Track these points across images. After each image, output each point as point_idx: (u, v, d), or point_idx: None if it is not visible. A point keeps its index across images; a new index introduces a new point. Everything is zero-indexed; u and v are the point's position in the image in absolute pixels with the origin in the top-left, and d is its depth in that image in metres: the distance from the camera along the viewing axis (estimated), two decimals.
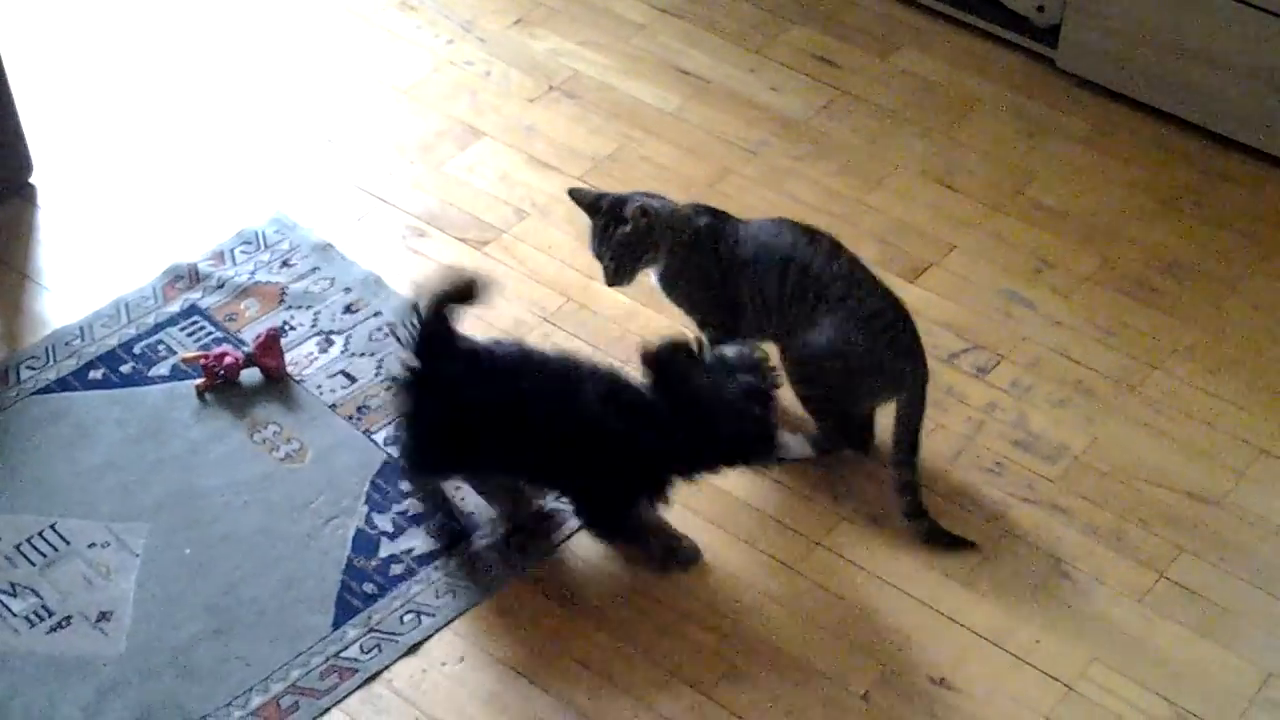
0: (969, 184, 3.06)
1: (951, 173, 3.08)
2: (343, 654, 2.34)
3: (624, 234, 2.53)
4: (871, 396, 2.54)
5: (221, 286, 2.84)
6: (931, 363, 2.71)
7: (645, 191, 2.62)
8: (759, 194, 3.03)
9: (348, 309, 2.81)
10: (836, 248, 2.53)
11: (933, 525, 2.48)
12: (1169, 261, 2.91)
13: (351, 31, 3.39)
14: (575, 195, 2.60)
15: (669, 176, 3.05)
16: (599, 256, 2.58)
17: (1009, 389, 2.70)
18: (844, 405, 2.56)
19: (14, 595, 2.40)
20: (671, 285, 2.61)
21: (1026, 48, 3.29)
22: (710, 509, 2.52)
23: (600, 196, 2.57)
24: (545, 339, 2.77)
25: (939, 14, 3.38)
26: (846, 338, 2.45)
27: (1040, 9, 3.22)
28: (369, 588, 2.41)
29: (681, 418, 2.32)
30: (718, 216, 2.59)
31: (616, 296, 2.83)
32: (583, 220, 2.93)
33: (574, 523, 2.48)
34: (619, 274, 2.57)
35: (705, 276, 2.57)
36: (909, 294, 2.83)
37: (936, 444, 2.61)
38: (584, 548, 2.47)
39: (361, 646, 2.34)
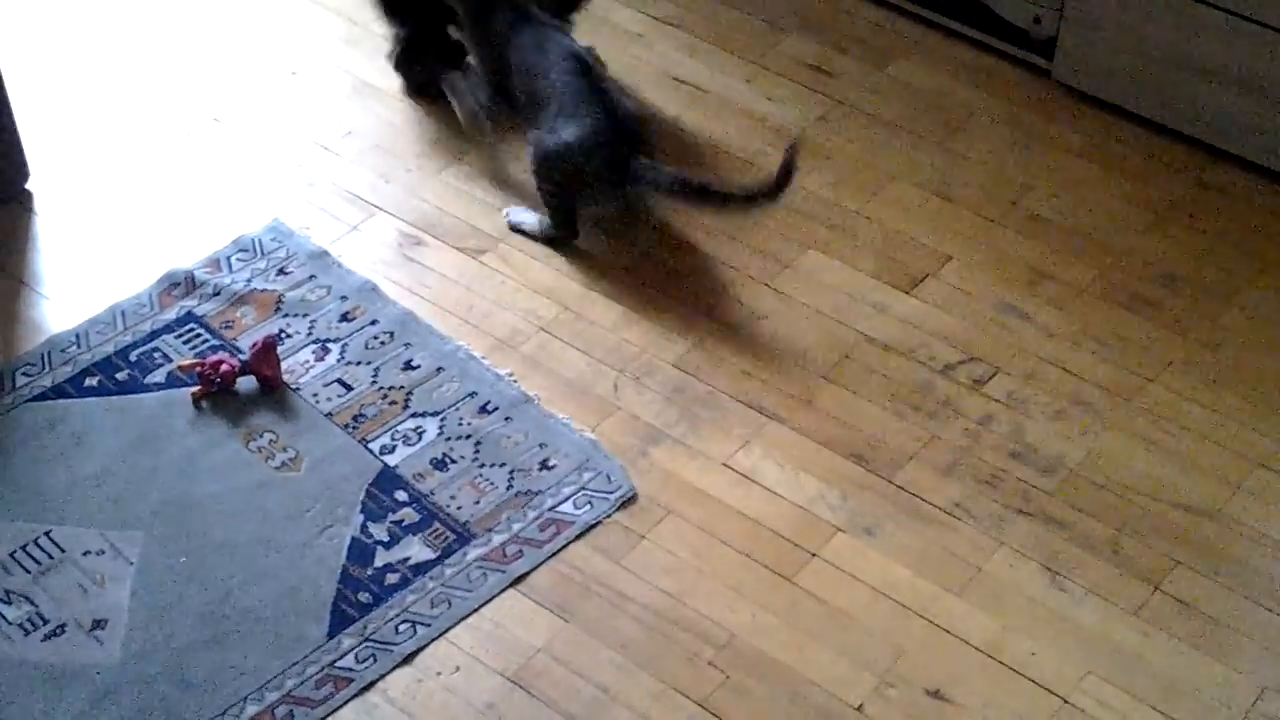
0: (965, 195, 3.06)
1: (948, 184, 3.08)
2: (338, 663, 2.33)
3: None
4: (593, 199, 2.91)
5: (218, 294, 2.83)
6: (928, 375, 2.72)
7: None
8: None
9: (344, 317, 2.81)
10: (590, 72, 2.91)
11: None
12: (1165, 273, 2.91)
13: (350, 38, 3.39)
14: None
15: None
16: None
17: (1005, 401, 2.70)
18: (569, 199, 2.91)
19: (8, 603, 2.40)
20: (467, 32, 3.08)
21: (1023, 60, 3.29)
22: (705, 519, 2.53)
23: None
24: (541, 349, 2.77)
25: (935, 25, 3.38)
26: (572, 150, 2.84)
27: (1037, 21, 3.22)
28: (364, 597, 2.41)
29: None
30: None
31: (612, 306, 2.83)
32: (582, 223, 2.95)
33: (572, 530, 2.48)
34: None
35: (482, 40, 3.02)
36: (905, 304, 2.85)
37: (932, 455, 2.61)
38: (578, 550, 2.47)
39: (357, 656, 2.34)
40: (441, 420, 2.65)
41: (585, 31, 3.28)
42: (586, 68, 2.92)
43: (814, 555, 2.49)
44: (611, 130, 2.86)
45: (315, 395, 2.68)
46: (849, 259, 2.94)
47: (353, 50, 3.37)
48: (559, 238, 2.96)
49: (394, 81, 3.27)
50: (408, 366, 2.73)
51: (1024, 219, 3.01)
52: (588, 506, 2.53)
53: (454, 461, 2.59)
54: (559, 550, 2.48)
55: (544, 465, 2.58)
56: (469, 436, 2.63)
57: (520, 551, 2.48)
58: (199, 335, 2.77)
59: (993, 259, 2.94)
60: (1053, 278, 2.91)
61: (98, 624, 2.37)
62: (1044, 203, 3.04)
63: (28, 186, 3.01)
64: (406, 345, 2.76)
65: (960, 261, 2.94)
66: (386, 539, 2.48)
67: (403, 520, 2.50)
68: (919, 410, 2.69)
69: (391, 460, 2.58)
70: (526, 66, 2.95)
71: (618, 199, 2.91)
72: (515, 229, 2.98)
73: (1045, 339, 2.80)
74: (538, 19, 2.99)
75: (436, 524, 2.50)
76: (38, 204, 3.00)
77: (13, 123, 2.93)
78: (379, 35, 3.33)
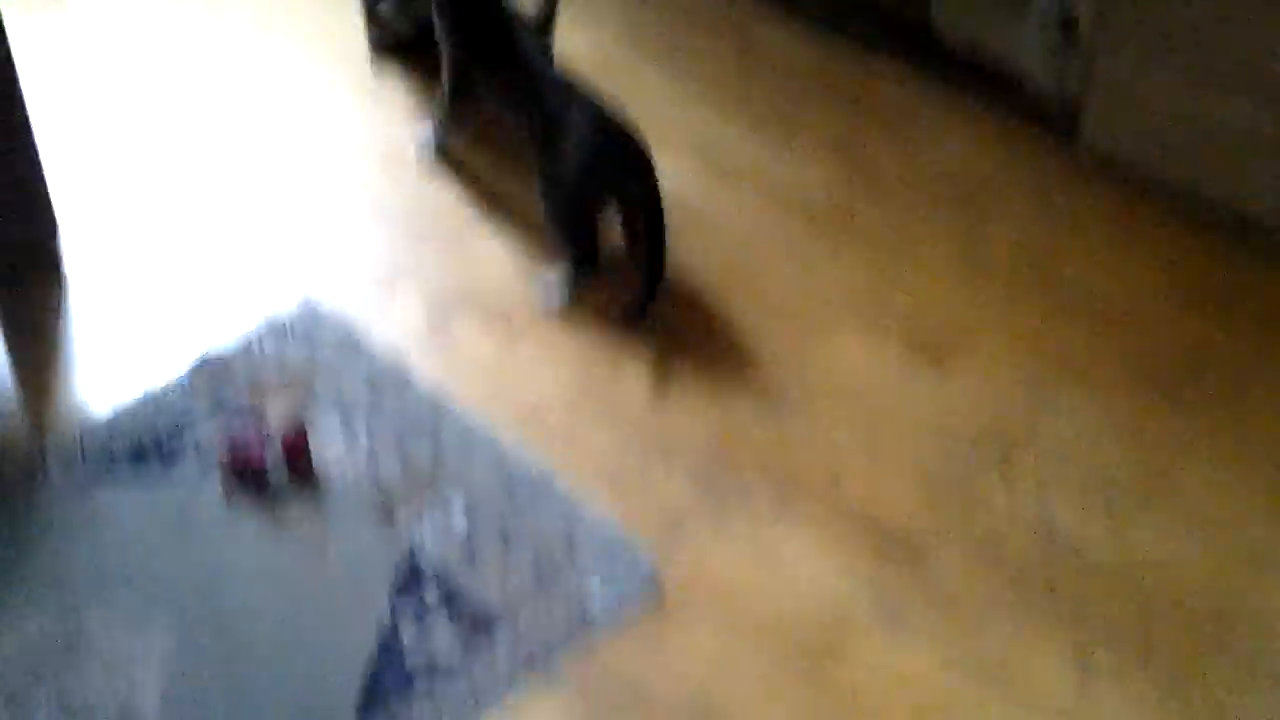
0: (992, 271, 3.06)
1: (976, 258, 3.08)
2: None
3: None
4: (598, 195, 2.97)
5: (249, 379, 2.86)
6: (954, 452, 2.72)
7: None
8: (780, 277, 3.04)
9: (373, 398, 2.83)
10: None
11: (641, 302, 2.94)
12: (1194, 353, 2.90)
13: (381, 114, 3.42)
14: None
15: (695, 257, 3.06)
16: None
17: (1032, 482, 2.70)
18: (579, 210, 2.97)
19: (35, 690, 2.41)
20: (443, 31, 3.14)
21: (1050, 132, 3.29)
22: (732, 605, 2.53)
23: None
24: (569, 427, 2.79)
25: (962, 99, 3.38)
26: (573, 159, 2.91)
27: (1062, 91, 3.22)
28: (394, 688, 2.42)
29: None
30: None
31: (640, 384, 2.85)
32: (613, 299, 2.96)
33: (597, 618, 2.49)
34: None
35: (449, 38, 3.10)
36: (932, 380, 2.85)
37: (959, 538, 2.61)
38: (604, 639, 2.48)
39: None
40: (469, 502, 2.66)
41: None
42: (572, 89, 3.00)
43: (841, 643, 2.48)
44: (617, 133, 2.94)
45: (344, 480, 2.70)
46: (876, 335, 2.95)
47: (383, 126, 3.39)
48: (584, 271, 3.00)
49: (425, 157, 3.30)
50: (436, 443, 2.75)
51: (1051, 295, 3.01)
52: (614, 593, 2.53)
53: (481, 546, 2.60)
54: (584, 640, 2.48)
55: (570, 548, 2.59)
56: (496, 519, 2.64)
57: (546, 641, 2.48)
58: (230, 421, 2.79)
59: (1020, 336, 2.94)
60: (1080, 355, 2.90)
61: (125, 713, 2.38)
62: (1072, 279, 3.04)
63: (62, 266, 3.05)
64: (435, 425, 2.78)
65: (988, 338, 2.94)
66: (414, 627, 2.49)
67: (430, 608, 2.52)
68: (946, 490, 2.68)
69: (420, 545, 2.59)
70: (520, 95, 3.04)
71: (633, 200, 2.96)
72: (548, 296, 3.00)
73: (1072, 418, 2.80)
74: (527, 48, 3.09)
75: (464, 612, 2.51)
76: (72, 285, 3.04)
77: (42, 175, 2.98)
78: (401, 105, 3.37)
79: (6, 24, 2.82)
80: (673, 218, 3.02)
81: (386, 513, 2.65)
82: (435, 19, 3.15)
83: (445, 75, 3.18)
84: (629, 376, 2.88)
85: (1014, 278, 3.04)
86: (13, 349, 2.93)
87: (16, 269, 2.99)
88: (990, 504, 2.67)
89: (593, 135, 2.92)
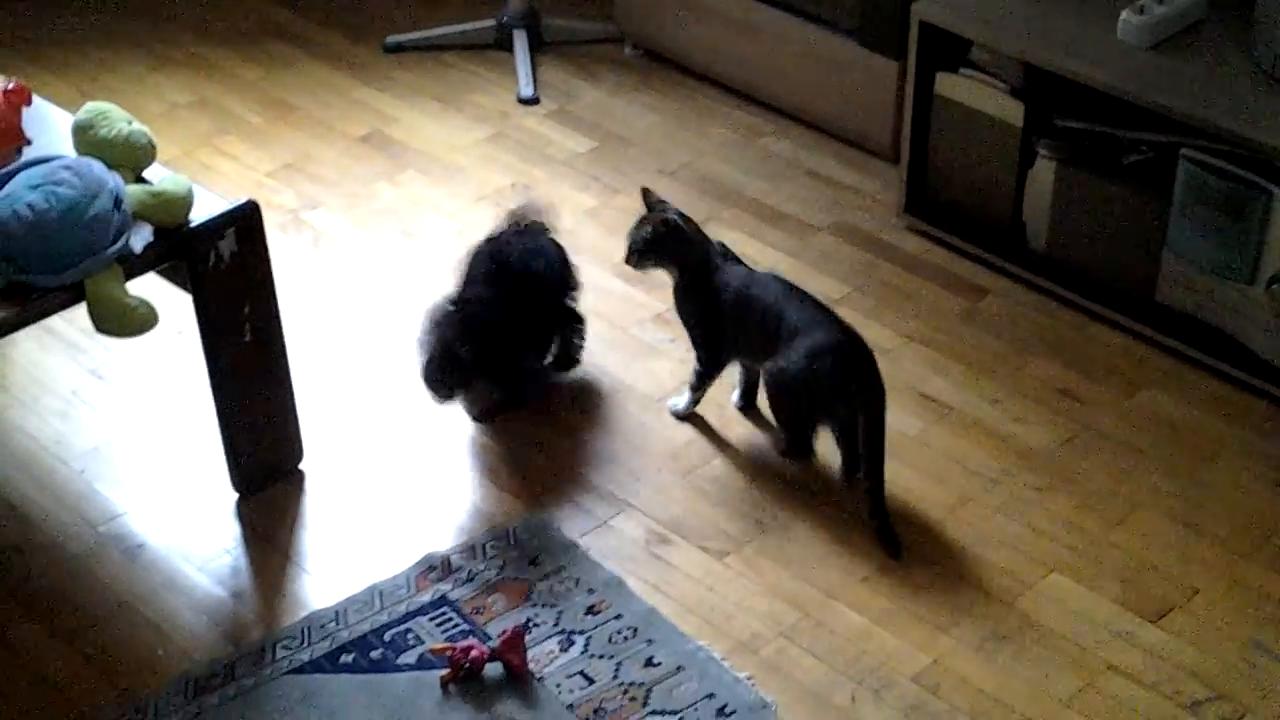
0: (1214, 528, 3.04)
1: (1196, 516, 3.06)
2: None
3: (646, 233, 3.17)
4: (832, 415, 3.09)
5: (471, 580, 2.93)
6: (1174, 710, 2.67)
7: (682, 213, 3.21)
8: (997, 522, 3.05)
9: (590, 610, 2.88)
10: (804, 295, 3.15)
11: (884, 525, 3.01)
12: None
13: (609, 342, 3.53)
14: (645, 194, 3.28)
15: (912, 498, 3.09)
16: (628, 237, 3.21)
17: None
18: (810, 420, 3.14)
19: None
20: (677, 300, 3.26)
21: (1274, 393, 3.29)
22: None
23: (656, 200, 3.26)
24: (780, 654, 2.80)
25: (1186, 356, 3.40)
26: (811, 365, 3.02)
27: None
28: None
29: None
30: (727, 257, 3.24)
31: (853, 616, 2.85)
32: (825, 531, 3.00)
33: None
34: (633, 260, 3.22)
35: (700, 302, 3.21)
36: (1151, 635, 2.82)
37: None
38: None
39: None
40: None
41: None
42: (790, 287, 3.16)
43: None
44: (842, 335, 3.08)
45: (558, 686, 2.74)
46: (1093, 585, 2.93)
47: (610, 350, 3.51)
48: (797, 457, 3.20)
49: (651, 382, 3.40)
50: (649, 663, 2.78)
51: (1275, 556, 2.97)
52: None
53: None
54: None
55: None
56: None
57: None
58: (450, 619, 2.86)
59: (1242, 595, 2.90)
60: None
61: None
62: None
63: (301, 466, 3.18)
64: (649, 642, 2.82)
65: (1208, 595, 2.90)
66: None
67: None
68: None
69: None
70: (741, 303, 3.17)
71: (855, 408, 3.04)
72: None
73: None
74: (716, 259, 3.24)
75: None
76: (308, 483, 3.17)
77: (294, 406, 3.12)
78: (639, 340, 3.48)
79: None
80: (889, 450, 3.07)
81: (598, 718, 2.68)
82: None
83: (698, 349, 3.28)
84: (841, 609, 2.89)
85: (1236, 537, 3.01)
86: (249, 546, 3.04)
87: (259, 481, 3.13)
88: None
89: (837, 340, 3.06)
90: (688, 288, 3.22)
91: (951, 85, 3.65)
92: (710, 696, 2.72)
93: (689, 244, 3.20)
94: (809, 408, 3.11)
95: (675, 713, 2.69)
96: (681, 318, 3.28)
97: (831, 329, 3.07)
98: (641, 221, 3.21)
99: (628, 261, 3.22)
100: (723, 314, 3.18)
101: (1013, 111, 3.56)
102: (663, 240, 3.18)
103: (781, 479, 3.17)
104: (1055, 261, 3.61)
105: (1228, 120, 3.19)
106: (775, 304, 3.11)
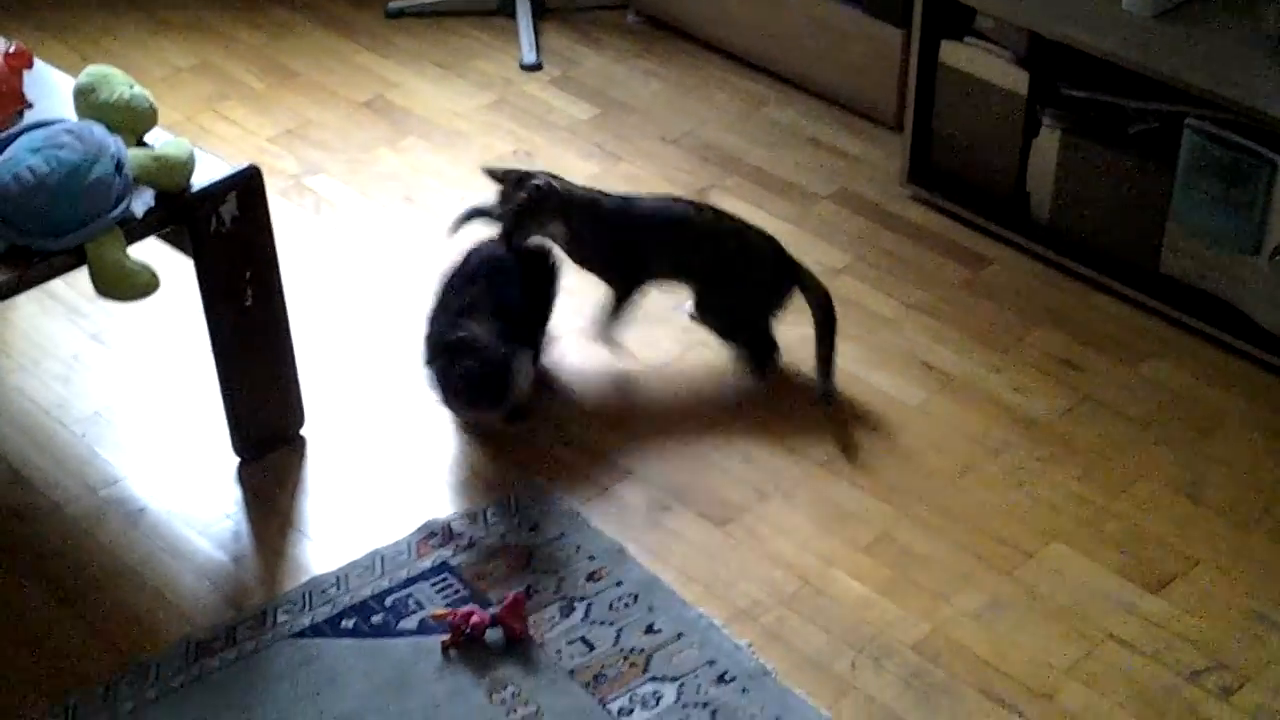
0: (1215, 498, 3.04)
1: (1197, 486, 3.06)
2: None
3: (516, 206, 3.08)
4: (768, 308, 3.24)
5: (472, 546, 2.94)
6: (1174, 679, 2.67)
7: (550, 173, 3.16)
8: (998, 491, 3.05)
9: (590, 576, 2.88)
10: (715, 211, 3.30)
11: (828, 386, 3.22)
12: None
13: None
14: (487, 171, 3.18)
15: (913, 467, 3.10)
16: (500, 218, 3.12)
17: (1254, 714, 2.64)
18: (750, 321, 3.25)
19: None
20: (573, 252, 3.21)
21: (1278, 365, 3.28)
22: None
23: (507, 171, 3.16)
24: (780, 622, 2.80)
25: (1189, 327, 3.40)
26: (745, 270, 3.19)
27: None
28: None
29: None
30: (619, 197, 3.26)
31: (853, 584, 2.86)
32: (827, 505, 3.00)
33: None
34: (515, 239, 3.12)
35: (601, 239, 3.19)
36: (1151, 605, 2.82)
37: None
38: None
39: None
40: (680, 686, 2.68)
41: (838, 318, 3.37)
42: (691, 220, 3.25)
43: None
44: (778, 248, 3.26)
45: (559, 651, 2.74)
46: (1094, 554, 2.93)
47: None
48: (771, 366, 3.31)
49: (653, 350, 3.40)
50: (649, 630, 2.78)
51: (1276, 527, 2.97)
52: None
53: None
54: None
55: None
56: (706, 705, 2.65)
57: None
58: (451, 585, 2.86)
59: (1243, 565, 2.90)
60: None
61: None
62: None
63: (302, 432, 3.18)
64: (649, 609, 2.82)
65: (1209, 565, 2.90)
66: None
67: None
68: (1163, 717, 2.63)
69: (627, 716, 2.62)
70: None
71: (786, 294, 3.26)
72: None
73: None
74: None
75: None
76: (310, 448, 3.17)
77: (295, 373, 3.12)
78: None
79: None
80: (891, 420, 3.06)
81: (597, 686, 2.68)
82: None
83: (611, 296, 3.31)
84: (841, 578, 2.89)
85: (1237, 507, 3.01)
86: (250, 510, 3.04)
87: (260, 446, 3.13)
88: None
89: (769, 258, 3.24)
90: (581, 234, 3.19)
91: (956, 53, 3.63)
92: (710, 663, 2.72)
93: (568, 197, 3.17)
94: (753, 309, 3.26)
95: (675, 679, 2.70)
96: (584, 265, 3.26)
97: (744, 232, 3.25)
98: (504, 198, 3.12)
99: (508, 244, 3.12)
100: (631, 240, 3.22)
101: (1017, 80, 3.55)
102: (538, 205, 3.10)
103: (783, 447, 3.17)
104: (1059, 231, 3.60)
105: (1233, 90, 3.18)
106: (676, 216, 3.24)
